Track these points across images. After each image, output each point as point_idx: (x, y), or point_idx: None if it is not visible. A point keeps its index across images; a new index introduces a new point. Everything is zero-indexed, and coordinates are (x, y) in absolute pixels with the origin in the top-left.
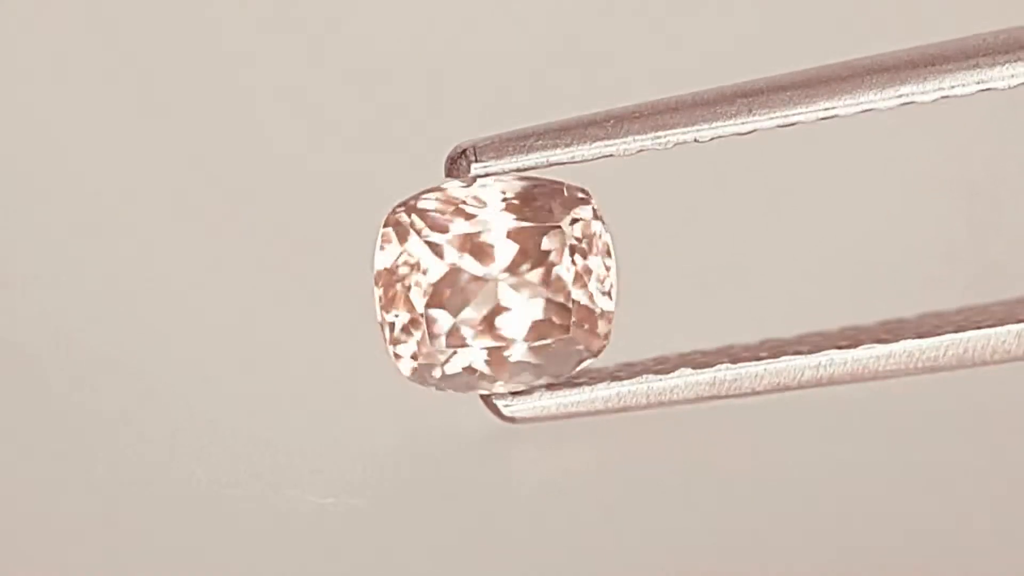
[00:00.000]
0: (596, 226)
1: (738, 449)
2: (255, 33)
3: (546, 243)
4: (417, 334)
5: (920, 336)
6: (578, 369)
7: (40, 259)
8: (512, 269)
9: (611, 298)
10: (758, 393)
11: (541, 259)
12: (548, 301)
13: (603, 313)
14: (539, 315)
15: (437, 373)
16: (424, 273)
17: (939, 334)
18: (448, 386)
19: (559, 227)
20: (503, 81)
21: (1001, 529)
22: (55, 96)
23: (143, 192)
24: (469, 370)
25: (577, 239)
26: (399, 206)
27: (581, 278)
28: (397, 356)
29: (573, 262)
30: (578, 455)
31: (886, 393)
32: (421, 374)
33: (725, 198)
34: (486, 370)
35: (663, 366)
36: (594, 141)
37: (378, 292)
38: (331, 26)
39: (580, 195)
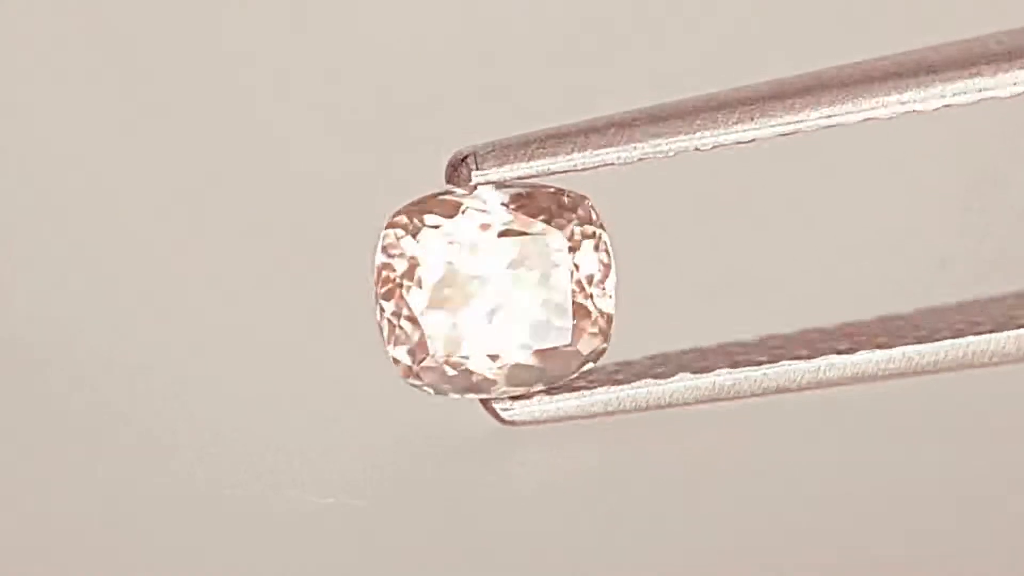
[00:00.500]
0: (595, 229)
1: (737, 450)
2: (256, 34)
3: (546, 245)
4: (416, 335)
5: (919, 341)
6: (578, 373)
7: (40, 259)
8: (511, 271)
9: (611, 301)
10: (757, 396)
11: (541, 261)
12: (548, 304)
13: (603, 316)
14: (539, 318)
15: (435, 375)
16: (423, 275)
17: (938, 339)
18: (446, 388)
19: (559, 230)
20: (505, 83)
21: (1001, 530)
22: (55, 96)
23: (143, 192)
24: (467, 372)
25: (576, 242)
26: (400, 210)
27: (581, 281)
28: (395, 358)
29: (573, 265)
30: (577, 456)
31: (886, 393)
32: (419, 376)
33: (725, 201)
34: (484, 373)
35: (663, 369)
36: (595, 149)
37: (377, 293)
38: (333, 28)
39: (580, 200)
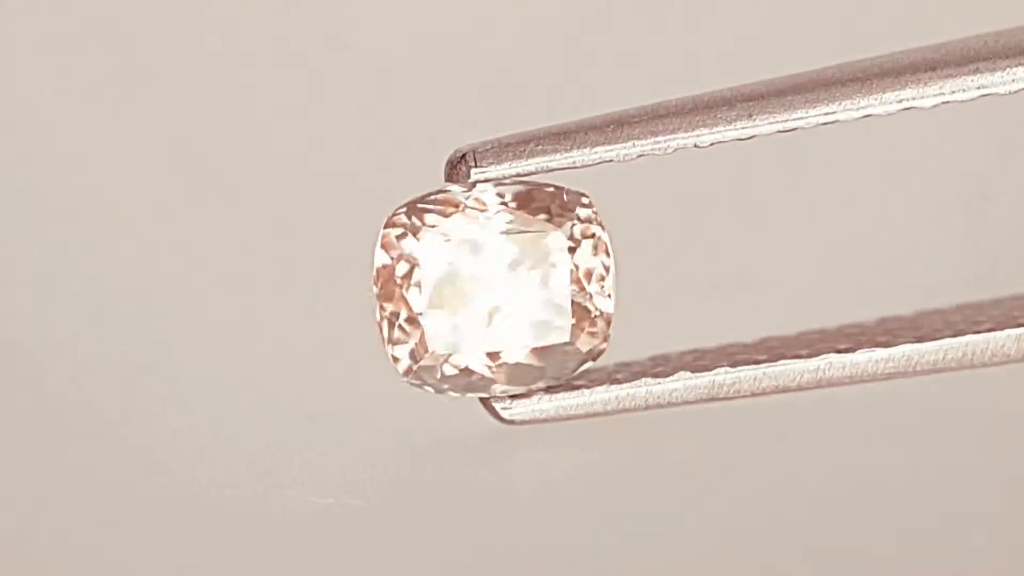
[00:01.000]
0: (595, 228)
1: (737, 449)
2: (256, 35)
3: (545, 245)
4: (416, 335)
5: (919, 340)
6: (577, 372)
7: (40, 260)
8: (511, 270)
9: (610, 300)
10: (757, 395)
11: (540, 260)
12: (547, 303)
13: (602, 315)
14: (538, 317)
15: (435, 375)
16: (423, 274)
17: (938, 338)
18: (446, 388)
19: (558, 229)
20: (504, 82)
21: (1001, 530)
22: (55, 96)
23: (143, 193)
24: (467, 372)
25: (576, 241)
26: (399, 208)
27: (580, 280)
28: (395, 358)
29: (573, 264)
30: (577, 455)
31: (886, 393)
32: (419, 375)
33: (725, 200)
34: (484, 372)
35: (662, 368)
36: (594, 146)
37: (376, 292)
38: (333, 28)
39: (579, 198)
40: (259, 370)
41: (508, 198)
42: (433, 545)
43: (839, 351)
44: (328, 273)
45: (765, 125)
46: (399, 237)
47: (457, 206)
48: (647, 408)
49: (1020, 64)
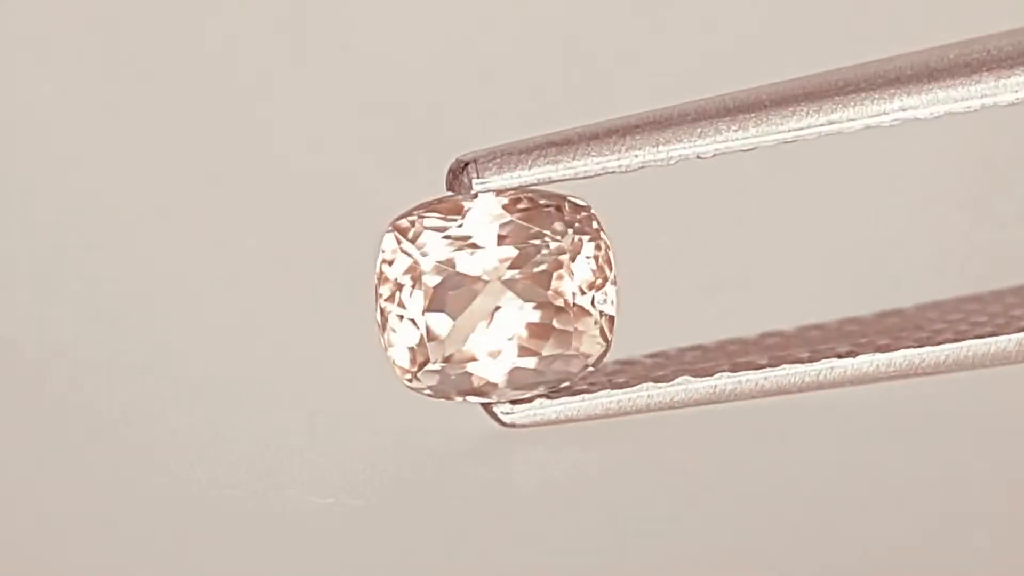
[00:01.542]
0: (596, 235)
1: (737, 450)
2: (260, 39)
3: (547, 250)
4: (416, 339)
5: (920, 344)
6: (579, 376)
7: (40, 260)
8: (513, 276)
9: (612, 305)
10: (757, 398)
11: (541, 266)
12: (549, 307)
13: (604, 319)
14: (539, 321)
15: (435, 379)
16: (424, 278)
17: (938, 342)
18: (446, 392)
19: (559, 234)
20: (509, 89)
21: (1001, 530)
22: (55, 96)
23: (144, 194)
24: (467, 376)
25: (577, 246)
26: (402, 215)
27: (582, 286)
28: (395, 362)
29: (574, 270)
30: (577, 455)
31: (886, 392)
32: (419, 380)
33: (724, 200)
34: (485, 377)
35: (663, 373)
36: (597, 156)
37: (378, 296)
38: (338, 34)
39: (580, 205)
40: (259, 370)
41: (509, 204)
42: (433, 545)
43: (840, 356)
44: (329, 274)
45: (767, 135)
46: (401, 242)
47: (459, 211)
48: (648, 410)
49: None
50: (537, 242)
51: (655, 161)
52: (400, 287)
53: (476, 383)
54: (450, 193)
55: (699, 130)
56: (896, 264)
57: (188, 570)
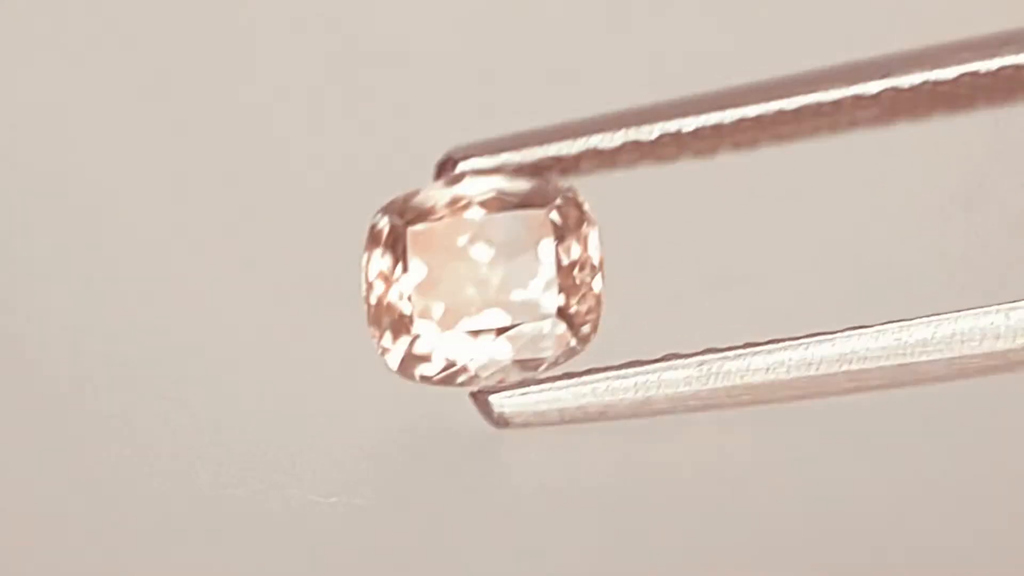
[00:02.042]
0: (582, 217)
1: (737, 450)
2: (257, 34)
3: (530, 233)
4: (403, 325)
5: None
6: (568, 359)
7: (40, 259)
8: (496, 260)
9: (598, 286)
10: (765, 382)
11: (525, 249)
12: (535, 287)
13: (592, 297)
14: (526, 301)
15: (423, 367)
16: (410, 265)
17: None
18: (434, 379)
19: (543, 217)
20: (501, 88)
21: (1001, 530)
22: (57, 93)
23: (142, 191)
24: (452, 363)
25: (561, 230)
26: (384, 207)
27: (566, 269)
28: (385, 350)
29: (559, 253)
30: (577, 456)
31: (885, 398)
32: (407, 367)
33: (724, 198)
34: (471, 362)
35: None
36: (577, 136)
37: (365, 287)
38: (332, 28)
39: (565, 188)
40: (260, 369)
41: (493, 189)
42: (435, 544)
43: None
44: (329, 273)
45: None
46: (386, 233)
47: (443, 197)
48: (641, 399)
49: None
50: (521, 224)
51: (637, 137)
52: (386, 278)
53: (461, 371)
54: (433, 183)
55: (686, 108)
56: (895, 263)
57: (189, 569)
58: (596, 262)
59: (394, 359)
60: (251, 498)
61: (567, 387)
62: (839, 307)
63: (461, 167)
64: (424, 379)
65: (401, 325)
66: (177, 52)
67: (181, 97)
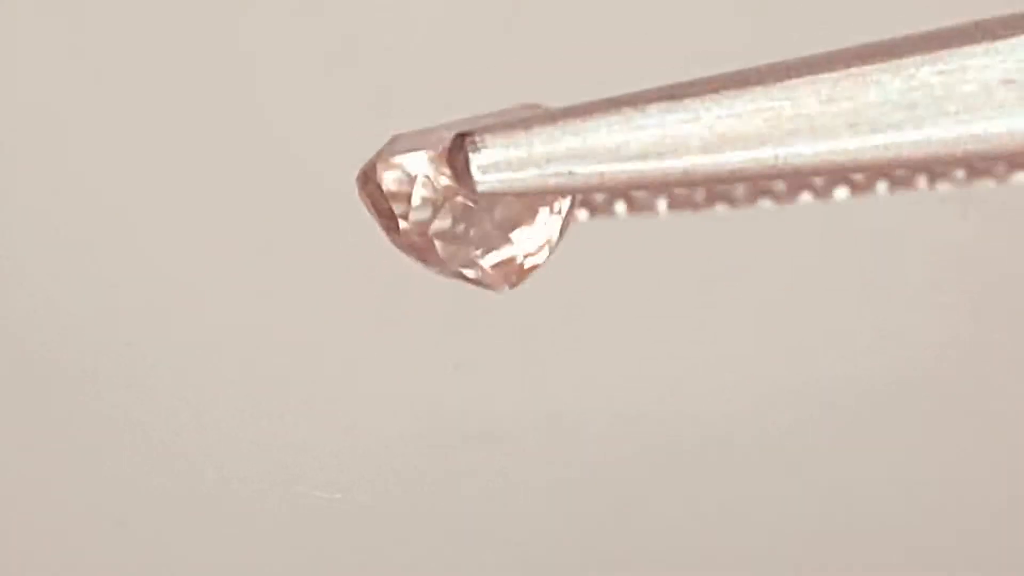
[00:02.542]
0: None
1: (736, 444)
2: (258, 29)
3: None
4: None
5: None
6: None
7: (47, 260)
8: None
9: None
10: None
11: None
12: None
13: None
14: None
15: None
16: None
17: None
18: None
19: None
20: (505, 80)
21: (1002, 531)
22: (59, 90)
23: (147, 190)
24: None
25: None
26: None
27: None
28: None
29: None
30: (577, 449)
31: (886, 391)
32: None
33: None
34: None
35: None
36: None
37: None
38: (334, 21)
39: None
40: (267, 369)
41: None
42: (437, 540)
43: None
44: (336, 273)
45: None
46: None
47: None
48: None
49: None
50: None
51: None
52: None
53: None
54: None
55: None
56: (893, 254)
57: (196, 565)
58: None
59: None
60: (255, 495)
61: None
62: (838, 302)
63: (476, 173)
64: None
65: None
66: (179, 49)
67: (182, 97)
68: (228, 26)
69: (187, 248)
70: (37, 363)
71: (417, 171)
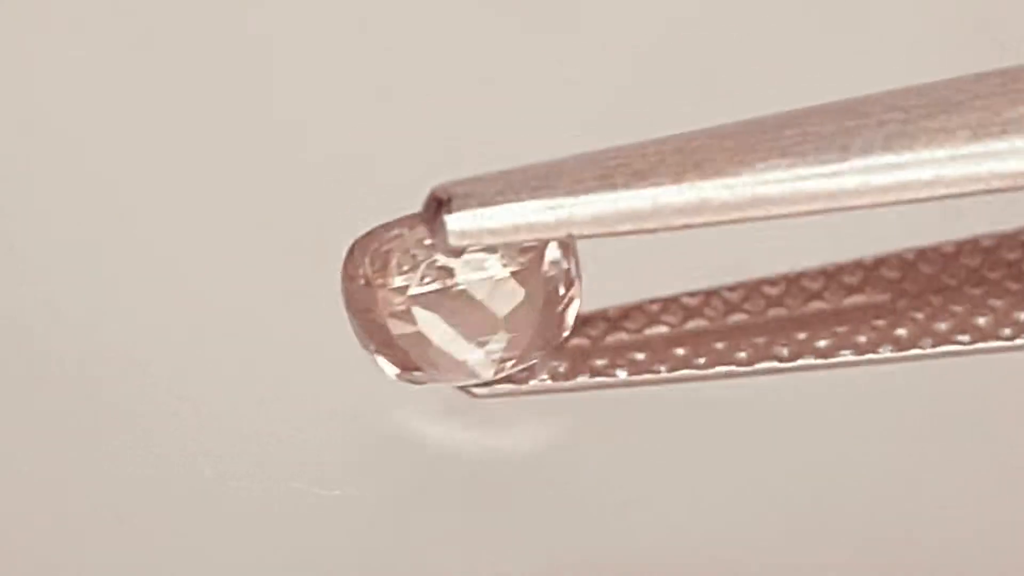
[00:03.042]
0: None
1: (731, 428)
2: (263, 29)
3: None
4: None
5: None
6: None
7: (42, 253)
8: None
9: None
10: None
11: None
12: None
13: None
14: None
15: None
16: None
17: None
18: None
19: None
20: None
21: (1001, 530)
22: (61, 87)
23: (144, 184)
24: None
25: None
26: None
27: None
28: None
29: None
30: (577, 438)
31: (884, 390)
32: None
33: None
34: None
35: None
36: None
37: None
38: (334, 26)
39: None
40: (264, 363)
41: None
42: (437, 536)
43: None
44: (333, 268)
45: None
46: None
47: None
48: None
49: None
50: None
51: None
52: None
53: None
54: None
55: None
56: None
57: (192, 563)
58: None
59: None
60: (254, 491)
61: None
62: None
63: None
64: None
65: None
66: (179, 46)
67: (182, 96)
68: (229, 25)
69: (189, 244)
70: (35, 358)
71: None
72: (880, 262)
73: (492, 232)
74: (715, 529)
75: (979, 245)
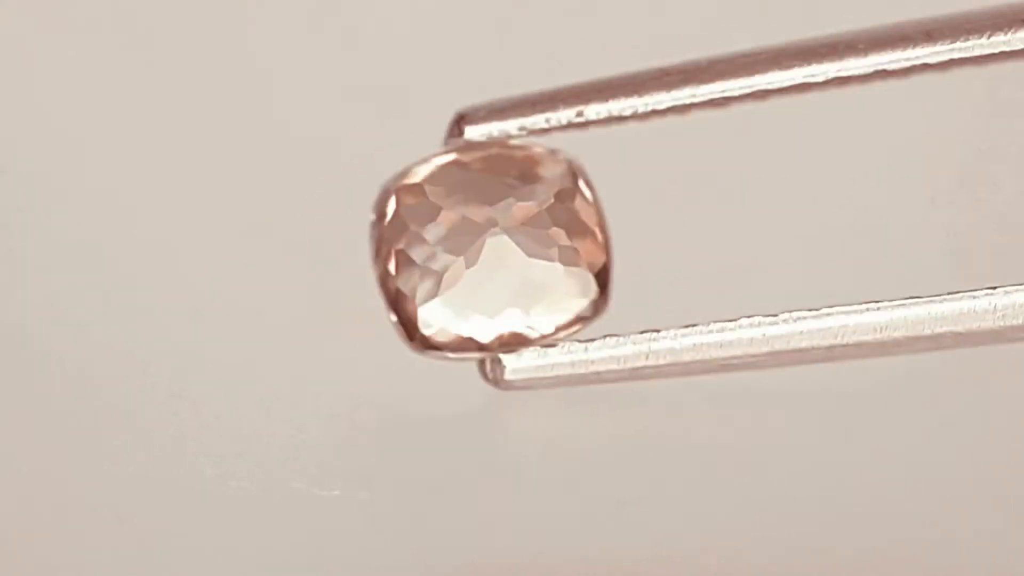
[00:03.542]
0: (580, 179)
1: (736, 427)
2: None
3: (531, 193)
4: (416, 292)
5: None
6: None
7: (44, 253)
8: (499, 213)
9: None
10: (765, 354)
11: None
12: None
13: (601, 233)
14: (533, 252)
15: (440, 338)
16: (419, 231)
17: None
18: (445, 345)
19: (540, 178)
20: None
21: (1001, 529)
22: (62, 87)
23: (144, 184)
24: (462, 338)
25: (558, 190)
26: (388, 184)
27: (564, 225)
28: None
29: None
30: (578, 436)
31: (883, 387)
32: (425, 342)
33: (720, 192)
34: (483, 333)
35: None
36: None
37: (376, 255)
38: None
39: (561, 154)
40: (264, 363)
41: (485, 149)
42: (437, 537)
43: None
44: (335, 266)
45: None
46: (389, 204)
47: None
48: (653, 367)
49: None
50: (517, 185)
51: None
52: (394, 248)
53: (470, 340)
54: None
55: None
56: (896, 252)
57: (193, 563)
58: (601, 221)
59: (406, 335)
60: (254, 491)
61: (570, 353)
62: (836, 296)
63: (469, 133)
64: (443, 350)
65: (416, 293)
66: (180, 44)
67: (182, 97)
68: (229, 27)
69: (187, 244)
70: (35, 358)
71: None
72: None
73: None
74: (715, 529)
75: None
